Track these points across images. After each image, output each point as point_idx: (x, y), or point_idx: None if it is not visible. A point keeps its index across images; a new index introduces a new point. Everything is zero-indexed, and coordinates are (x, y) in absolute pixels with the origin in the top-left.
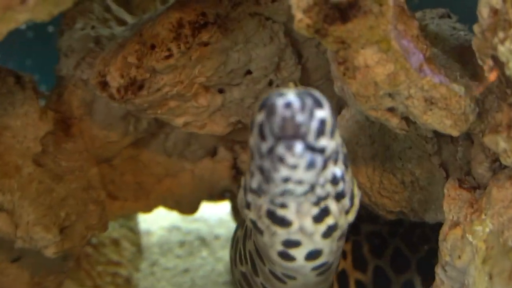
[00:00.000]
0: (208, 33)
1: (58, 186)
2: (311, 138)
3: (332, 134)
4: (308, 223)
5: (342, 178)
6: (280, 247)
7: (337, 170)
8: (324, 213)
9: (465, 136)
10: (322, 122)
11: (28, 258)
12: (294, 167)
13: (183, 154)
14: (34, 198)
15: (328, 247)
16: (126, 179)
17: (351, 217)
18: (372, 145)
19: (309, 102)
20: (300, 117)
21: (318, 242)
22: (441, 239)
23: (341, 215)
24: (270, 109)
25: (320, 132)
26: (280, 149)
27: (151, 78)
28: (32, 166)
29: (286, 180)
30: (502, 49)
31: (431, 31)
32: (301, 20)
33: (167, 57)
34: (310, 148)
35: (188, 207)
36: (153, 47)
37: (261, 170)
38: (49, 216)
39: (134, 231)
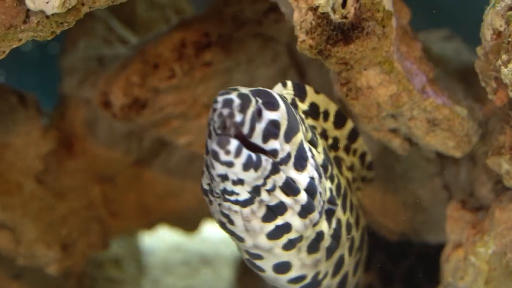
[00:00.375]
0: (211, 54)
1: (60, 204)
2: (256, 139)
3: (288, 138)
4: (263, 240)
5: (309, 188)
6: (246, 255)
7: (299, 177)
8: (283, 230)
9: (468, 157)
10: (273, 124)
11: (29, 276)
12: (229, 164)
13: (186, 173)
14: (35, 215)
15: (297, 259)
16: (128, 198)
17: (320, 228)
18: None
19: (256, 101)
20: (238, 117)
21: (281, 255)
22: (443, 260)
23: (307, 229)
24: (213, 107)
25: (270, 134)
26: (214, 145)
27: (154, 97)
28: (34, 184)
29: (223, 177)
30: (505, 71)
31: (434, 52)
32: (303, 41)
33: (170, 77)
34: (255, 148)
35: (190, 225)
36: (156, 67)
37: (207, 167)
38: (51, 233)
39: (136, 249)
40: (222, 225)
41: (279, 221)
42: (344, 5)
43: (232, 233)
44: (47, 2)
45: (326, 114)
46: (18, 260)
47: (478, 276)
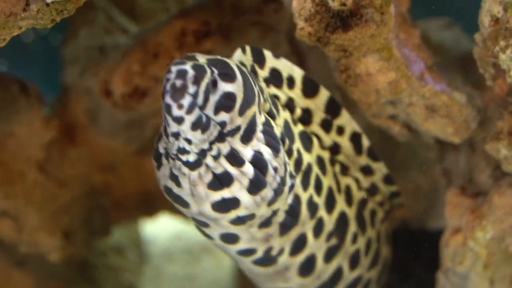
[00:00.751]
0: (211, 42)
1: (62, 192)
2: (208, 111)
3: (241, 111)
4: (207, 209)
5: (254, 161)
6: (194, 222)
7: (244, 150)
8: (231, 204)
9: (467, 144)
10: (228, 97)
11: (32, 264)
12: (180, 120)
13: None
14: (38, 204)
15: (246, 233)
16: (130, 187)
17: (277, 206)
18: None
19: (211, 72)
20: (192, 89)
21: (228, 227)
22: (442, 245)
23: (259, 207)
24: (166, 77)
25: (223, 107)
26: (168, 99)
27: (155, 86)
28: (36, 172)
29: (176, 135)
30: (503, 57)
31: (434, 40)
32: (302, 28)
33: None
34: (207, 117)
35: None
36: (156, 55)
37: (164, 128)
38: (53, 221)
39: (138, 237)
40: (168, 191)
41: (226, 193)
42: None
43: (178, 199)
44: None
45: (290, 81)
46: (21, 248)
47: (476, 261)
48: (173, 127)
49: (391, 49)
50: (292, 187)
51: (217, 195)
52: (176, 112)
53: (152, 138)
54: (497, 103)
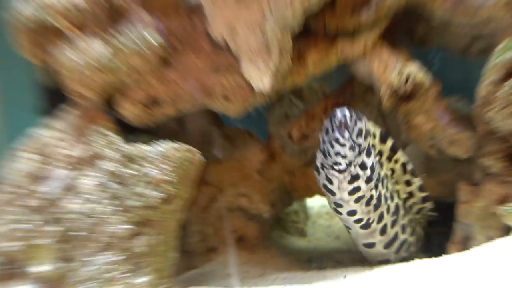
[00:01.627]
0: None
1: (270, 185)
2: (354, 136)
3: (365, 138)
4: (345, 195)
5: (371, 167)
6: (333, 205)
7: (368, 160)
8: (356, 190)
9: None
10: (360, 129)
11: (256, 218)
12: (343, 145)
13: None
14: (259, 189)
15: (360, 209)
16: (300, 183)
17: (372, 192)
18: None
19: (355, 117)
20: (349, 122)
21: (352, 205)
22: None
23: (368, 191)
24: (334, 116)
25: (359, 134)
26: (337, 134)
27: (312, 134)
28: (256, 174)
29: (337, 154)
30: None
31: None
32: None
33: None
34: (353, 140)
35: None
36: (313, 117)
37: (323, 152)
38: (266, 197)
39: (304, 206)
40: (325, 187)
41: (356, 184)
42: None
43: (329, 191)
44: None
45: (373, 135)
46: (251, 211)
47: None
48: (338, 148)
49: None
50: (377, 181)
51: (351, 186)
52: (342, 140)
53: (312, 159)
54: None
